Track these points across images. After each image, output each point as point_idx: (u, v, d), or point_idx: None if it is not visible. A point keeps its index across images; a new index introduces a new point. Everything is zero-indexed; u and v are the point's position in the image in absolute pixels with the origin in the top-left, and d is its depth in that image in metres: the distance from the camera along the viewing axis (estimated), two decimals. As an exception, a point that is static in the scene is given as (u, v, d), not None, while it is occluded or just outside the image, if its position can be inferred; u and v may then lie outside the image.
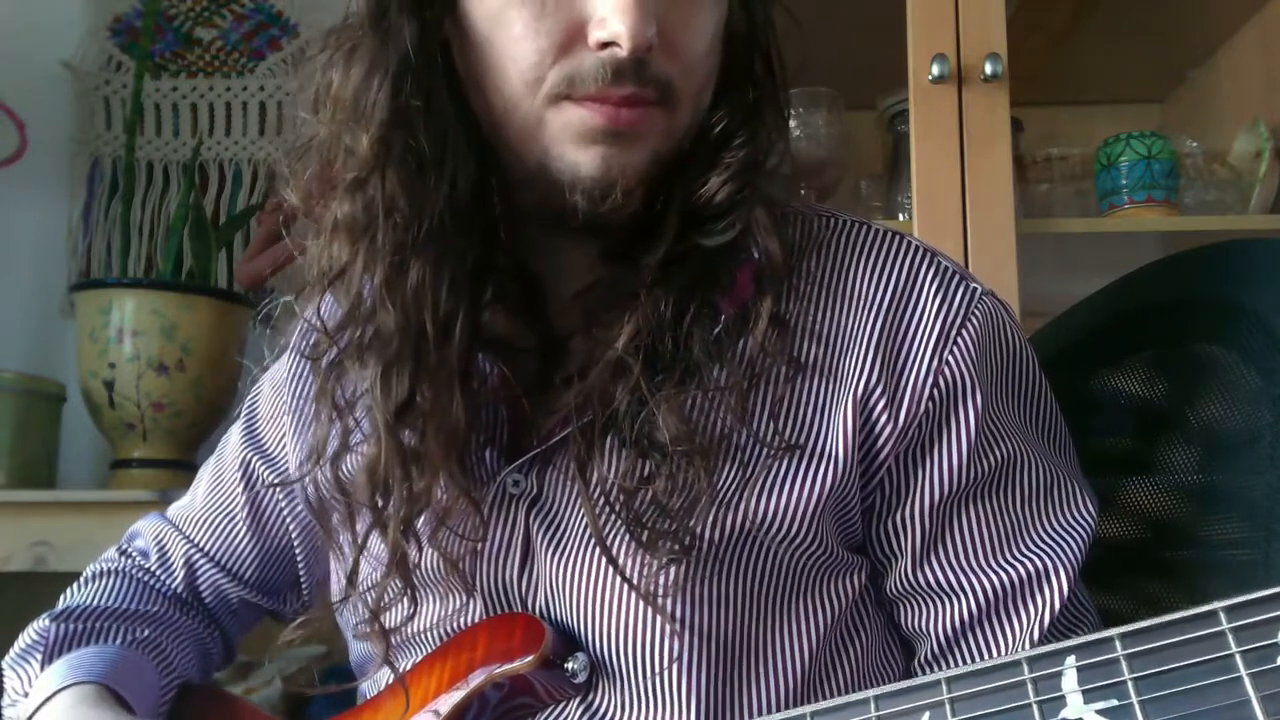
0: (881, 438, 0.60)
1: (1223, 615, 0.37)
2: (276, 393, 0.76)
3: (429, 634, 0.65)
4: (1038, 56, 1.56)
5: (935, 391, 0.60)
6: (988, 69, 1.26)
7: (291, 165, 0.63)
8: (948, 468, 0.61)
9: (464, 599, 0.63)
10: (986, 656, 0.62)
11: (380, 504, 0.59)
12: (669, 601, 0.58)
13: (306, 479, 0.63)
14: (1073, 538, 0.63)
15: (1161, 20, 1.54)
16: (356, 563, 0.62)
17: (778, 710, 0.60)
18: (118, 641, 0.71)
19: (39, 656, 0.69)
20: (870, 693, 0.44)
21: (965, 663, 0.63)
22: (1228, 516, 0.68)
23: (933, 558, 0.62)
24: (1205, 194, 1.44)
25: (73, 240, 1.98)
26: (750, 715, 0.60)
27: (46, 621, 0.72)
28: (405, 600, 0.61)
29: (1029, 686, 0.40)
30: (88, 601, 0.75)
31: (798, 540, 0.60)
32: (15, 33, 1.95)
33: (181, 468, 1.68)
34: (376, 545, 0.61)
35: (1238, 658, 0.36)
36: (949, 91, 1.28)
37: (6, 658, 0.72)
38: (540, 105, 0.56)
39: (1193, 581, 0.72)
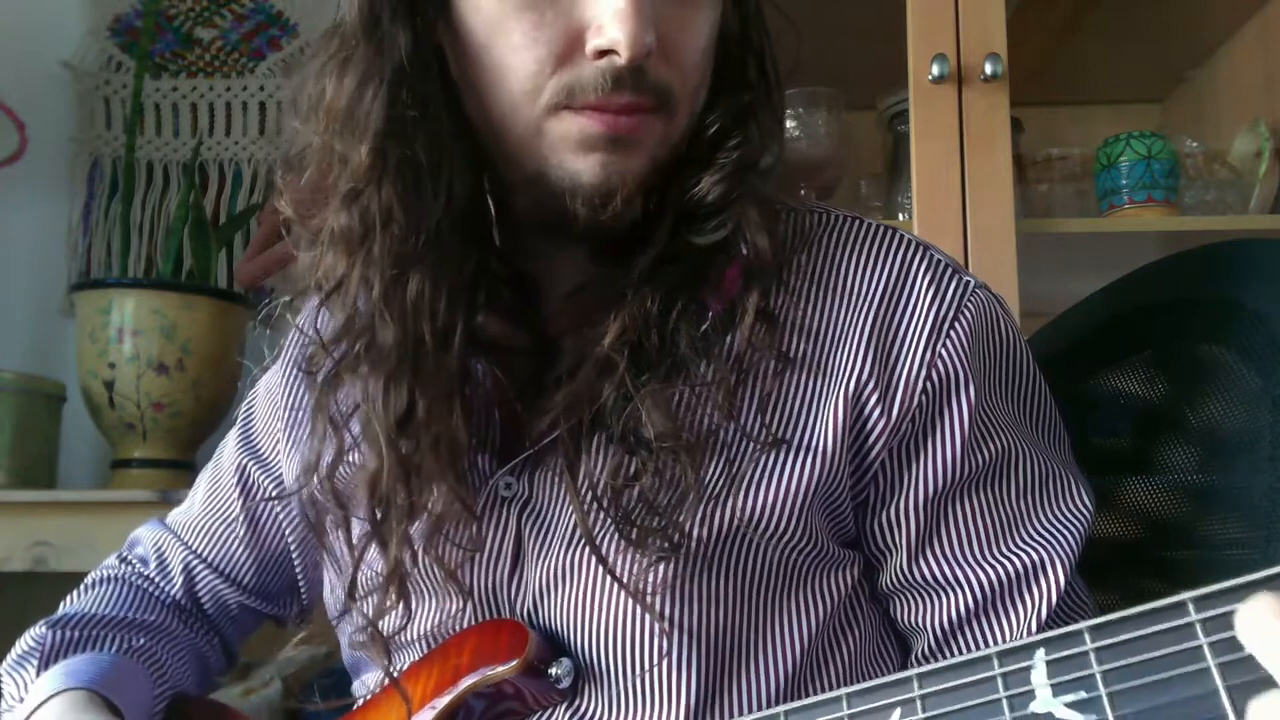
0: (874, 432, 0.60)
1: (1191, 606, 0.37)
2: (270, 398, 0.76)
3: (424, 640, 0.65)
4: (1038, 56, 1.56)
5: (929, 385, 0.60)
6: (988, 69, 1.26)
7: (285, 176, 0.62)
8: (942, 461, 0.61)
9: (460, 604, 0.63)
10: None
11: (379, 515, 0.59)
12: (658, 599, 0.58)
13: (303, 491, 0.63)
14: (1069, 530, 0.63)
15: (1161, 20, 1.54)
16: (355, 574, 0.62)
17: (766, 707, 0.60)
18: (113, 649, 0.71)
19: (35, 662, 0.69)
20: (842, 690, 0.44)
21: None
22: (1227, 516, 0.68)
23: (928, 552, 0.62)
24: (1205, 194, 1.44)
25: (73, 240, 1.98)
26: (740, 713, 0.59)
27: (43, 629, 0.72)
28: (401, 607, 0.61)
29: (999, 681, 0.41)
30: (86, 609, 0.75)
31: (786, 536, 0.60)
32: (15, 33, 1.95)
33: (181, 468, 1.68)
34: (373, 555, 0.61)
35: (1205, 648, 0.37)
36: (949, 91, 1.28)
37: (4, 663, 0.73)
38: (539, 115, 0.56)
39: (1192, 581, 0.71)
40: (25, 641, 0.72)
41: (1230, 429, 0.68)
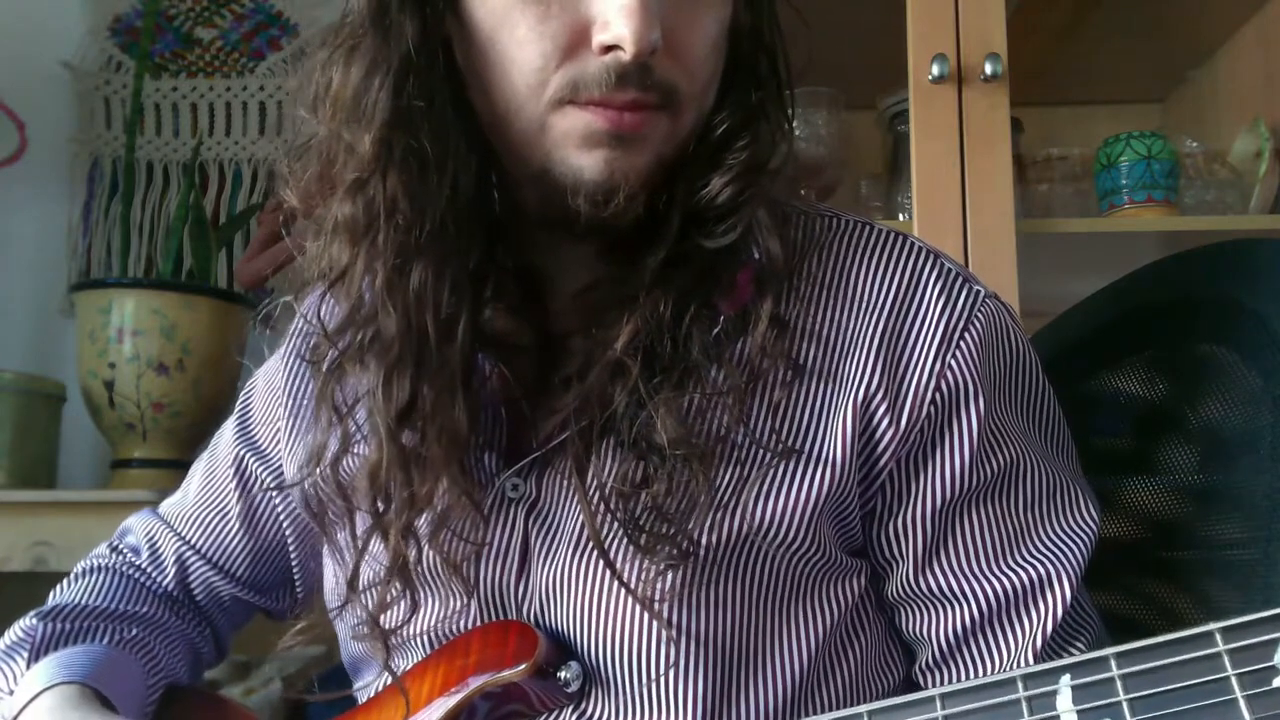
0: (883, 442, 0.60)
1: (1219, 636, 0.37)
2: (270, 390, 0.76)
3: (425, 637, 0.65)
4: (1038, 56, 1.56)
5: (938, 395, 0.60)
6: (988, 69, 1.26)
7: (290, 165, 0.62)
8: (950, 472, 0.61)
9: (463, 601, 0.63)
10: (988, 663, 0.62)
11: (381, 507, 0.59)
12: (666, 607, 0.58)
13: (306, 481, 0.63)
14: (1075, 544, 0.62)
15: (1161, 20, 1.54)
16: (357, 566, 0.61)
17: (773, 715, 0.59)
18: (105, 641, 0.70)
19: (25, 654, 0.69)
20: (864, 708, 0.44)
21: (966, 669, 0.63)
22: (1228, 516, 0.68)
23: (934, 563, 0.62)
24: (1205, 194, 1.44)
25: (73, 240, 1.99)
26: None
27: (34, 620, 0.72)
28: (405, 602, 0.61)
29: (1023, 705, 0.40)
30: (76, 600, 0.75)
31: (795, 545, 0.59)
32: (15, 33, 1.96)
33: (181, 468, 1.67)
34: (377, 547, 0.61)
35: (1233, 680, 0.36)
36: (949, 91, 1.28)
37: None
38: (544, 109, 0.56)
39: (1193, 581, 0.72)
40: (15, 632, 0.71)
41: (1231, 429, 0.68)
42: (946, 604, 0.62)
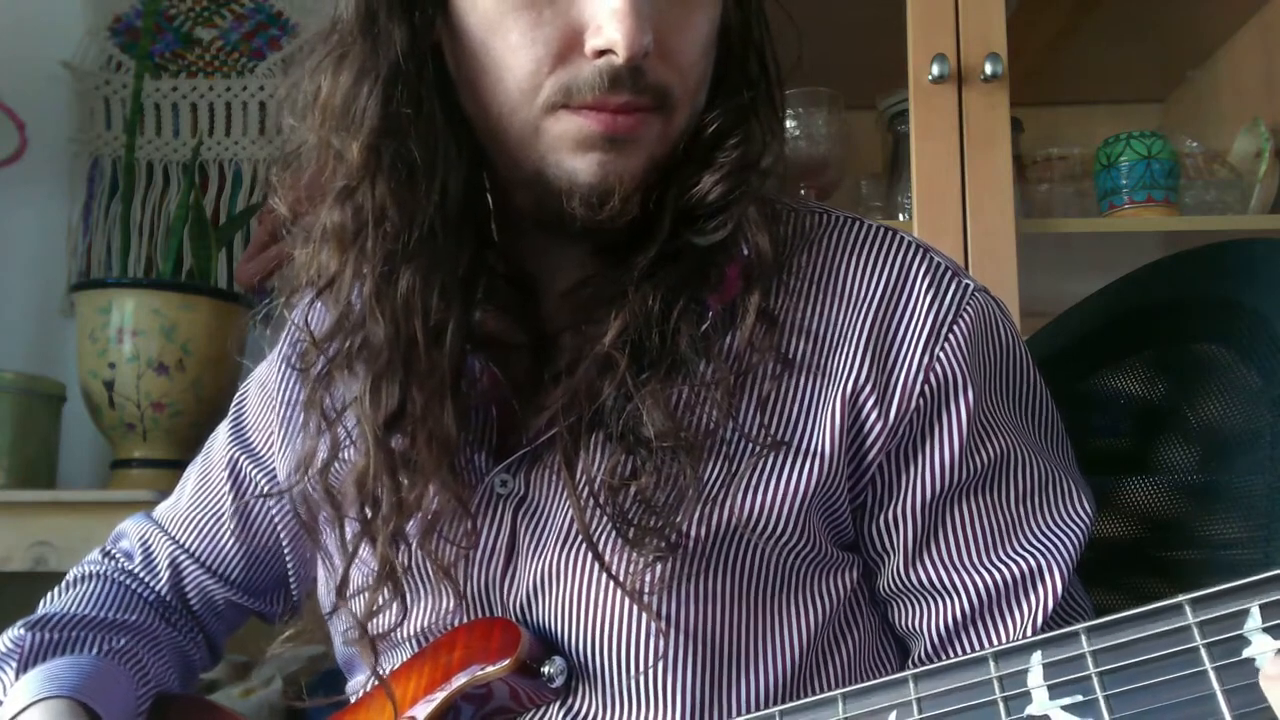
0: (871, 435, 0.60)
1: (1188, 608, 0.38)
2: (264, 395, 0.76)
3: (417, 639, 0.65)
4: (1038, 56, 1.56)
5: (926, 388, 0.60)
6: (988, 69, 1.26)
7: (279, 173, 0.62)
8: (939, 465, 0.61)
9: (454, 602, 0.63)
10: None
11: (369, 514, 0.59)
12: (655, 599, 0.58)
13: (295, 489, 0.62)
14: (1068, 536, 0.62)
15: (1161, 20, 1.54)
16: (346, 573, 0.61)
17: (763, 710, 0.59)
18: (93, 651, 0.70)
19: (13, 665, 0.68)
20: (838, 691, 0.44)
21: None
22: (1228, 516, 0.68)
23: (925, 556, 0.62)
24: (1205, 194, 1.44)
25: (73, 240, 1.99)
26: (736, 714, 0.59)
27: (21, 630, 0.71)
28: (395, 606, 0.61)
29: (995, 683, 0.41)
30: (65, 609, 0.74)
31: (784, 538, 0.59)
32: (15, 33, 1.96)
33: (182, 468, 1.65)
34: (366, 553, 0.61)
35: (1203, 651, 0.37)
36: (949, 91, 1.28)
37: None
38: (537, 114, 0.56)
39: (1193, 581, 0.71)
40: (3, 643, 0.71)
41: (1230, 429, 0.68)
42: (938, 597, 0.62)
